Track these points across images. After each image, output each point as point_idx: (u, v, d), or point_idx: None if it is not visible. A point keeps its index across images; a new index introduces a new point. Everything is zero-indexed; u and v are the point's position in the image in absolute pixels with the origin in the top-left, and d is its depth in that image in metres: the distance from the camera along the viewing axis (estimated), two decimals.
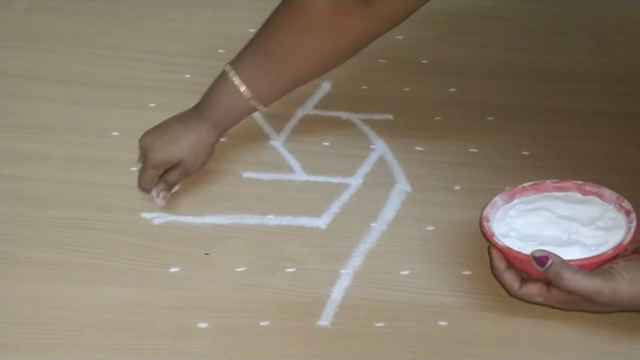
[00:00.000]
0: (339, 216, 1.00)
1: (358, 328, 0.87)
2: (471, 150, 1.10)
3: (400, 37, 1.30)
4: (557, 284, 0.80)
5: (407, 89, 1.21)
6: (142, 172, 0.96)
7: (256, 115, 1.14)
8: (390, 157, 1.08)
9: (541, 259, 0.80)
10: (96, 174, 1.04)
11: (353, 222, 0.99)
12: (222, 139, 1.09)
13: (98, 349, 0.84)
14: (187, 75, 1.21)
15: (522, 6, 1.40)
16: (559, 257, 0.81)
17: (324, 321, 0.87)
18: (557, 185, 0.91)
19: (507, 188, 0.91)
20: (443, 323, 0.87)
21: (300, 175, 1.05)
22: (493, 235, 0.85)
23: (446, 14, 1.34)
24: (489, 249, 0.86)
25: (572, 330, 0.87)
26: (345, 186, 1.04)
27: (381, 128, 1.13)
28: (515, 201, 0.90)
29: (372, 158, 1.08)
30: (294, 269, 0.93)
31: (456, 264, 0.94)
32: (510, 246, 0.84)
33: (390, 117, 1.15)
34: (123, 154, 1.06)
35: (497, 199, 0.90)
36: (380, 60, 1.26)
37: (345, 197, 1.02)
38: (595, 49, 1.28)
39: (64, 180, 1.03)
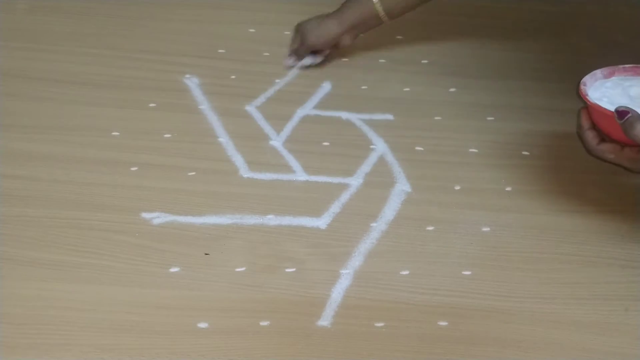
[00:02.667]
0: (339, 216, 1.00)
1: (358, 328, 0.87)
2: (471, 150, 1.10)
3: (400, 37, 1.30)
4: (628, 133, 0.87)
5: (407, 89, 1.21)
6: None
7: (256, 115, 1.15)
8: (390, 157, 1.08)
9: (622, 112, 0.87)
10: (96, 174, 1.04)
11: (353, 222, 0.99)
12: (221, 139, 1.10)
13: (98, 349, 0.84)
14: (187, 75, 1.21)
15: (522, 6, 1.40)
16: (638, 113, 0.87)
17: (324, 321, 0.87)
18: None
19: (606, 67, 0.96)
20: (443, 323, 0.87)
21: (300, 175, 1.05)
22: (586, 95, 0.92)
23: (446, 14, 1.34)
24: (578, 110, 0.93)
25: (572, 330, 0.87)
26: (345, 186, 1.04)
27: (381, 128, 1.13)
28: (614, 78, 0.95)
29: (372, 158, 1.08)
30: (293, 269, 0.93)
31: (456, 264, 0.94)
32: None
33: (390, 117, 1.15)
34: (123, 154, 1.07)
35: (598, 72, 0.95)
36: (380, 60, 1.26)
37: (345, 197, 1.02)
38: (595, 49, 1.28)
39: (64, 180, 1.03)
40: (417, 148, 1.10)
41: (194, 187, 1.02)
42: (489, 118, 1.15)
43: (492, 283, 0.92)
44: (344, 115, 1.15)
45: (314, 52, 1.23)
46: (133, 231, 0.96)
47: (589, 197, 1.02)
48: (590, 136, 0.93)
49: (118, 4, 1.35)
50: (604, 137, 0.92)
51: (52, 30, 1.29)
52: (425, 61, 1.26)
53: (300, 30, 1.23)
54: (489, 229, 0.98)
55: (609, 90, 0.94)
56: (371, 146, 1.10)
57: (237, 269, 0.92)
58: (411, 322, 0.88)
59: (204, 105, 1.16)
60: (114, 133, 1.10)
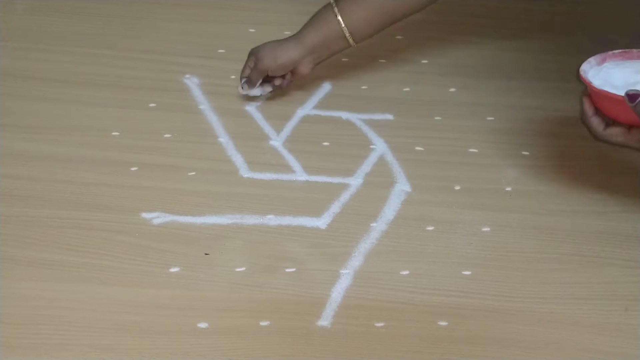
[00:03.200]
0: (339, 216, 1.00)
1: (358, 328, 0.87)
2: (471, 150, 1.10)
3: (400, 37, 1.30)
4: None
5: (407, 89, 1.21)
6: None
7: (256, 115, 1.15)
8: (390, 157, 1.08)
9: (633, 95, 0.89)
10: (96, 174, 1.04)
11: (353, 222, 0.99)
12: (221, 139, 1.10)
13: (98, 349, 0.84)
14: (187, 75, 1.21)
15: (522, 6, 1.40)
16: None
17: (324, 321, 0.87)
18: None
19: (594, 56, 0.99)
20: (443, 323, 0.87)
21: (300, 175, 1.05)
22: (591, 82, 0.93)
23: (446, 14, 1.34)
24: (581, 97, 0.95)
25: (572, 330, 0.87)
26: (345, 186, 1.04)
27: (381, 128, 1.13)
28: (606, 63, 0.98)
29: (372, 158, 1.08)
30: (293, 269, 0.93)
31: (456, 264, 0.94)
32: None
33: (390, 117, 1.15)
34: (123, 154, 1.07)
35: (591, 59, 0.98)
36: (380, 60, 1.26)
37: (345, 197, 1.02)
38: (595, 49, 1.28)
39: (64, 180, 1.03)
40: (417, 148, 1.10)
41: (194, 187, 1.02)
42: (489, 118, 1.15)
43: (492, 283, 0.92)
44: (344, 115, 1.15)
45: (266, 80, 1.15)
46: (133, 231, 0.96)
47: (589, 197, 1.02)
48: (596, 122, 0.94)
49: (118, 4, 1.35)
50: (608, 122, 0.93)
51: (52, 30, 1.29)
52: (425, 61, 1.26)
53: (254, 52, 1.14)
54: (489, 229, 0.98)
55: (610, 74, 0.96)
56: (371, 146, 1.10)
57: (237, 269, 0.92)
58: (411, 322, 0.87)
59: (204, 105, 1.16)
60: (114, 133, 1.10)
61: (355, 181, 1.04)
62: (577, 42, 1.29)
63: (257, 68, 1.13)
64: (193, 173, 1.04)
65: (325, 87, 1.20)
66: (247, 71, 1.14)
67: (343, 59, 1.25)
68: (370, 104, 1.17)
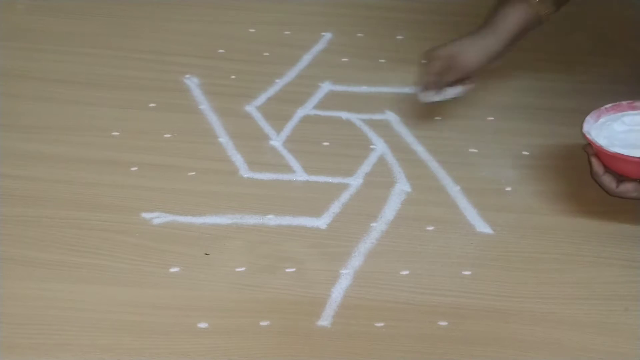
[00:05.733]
0: (339, 216, 1.00)
1: (358, 328, 0.87)
2: (471, 150, 1.10)
3: (400, 37, 1.30)
4: None
5: (407, 89, 1.21)
6: (426, 67, 1.08)
7: (256, 115, 1.15)
8: (390, 157, 1.08)
9: None
10: (96, 174, 1.04)
11: (353, 222, 0.99)
12: (221, 139, 1.10)
13: (98, 349, 0.84)
14: (187, 75, 1.21)
15: None
16: None
17: (324, 321, 0.87)
18: (631, 104, 1.01)
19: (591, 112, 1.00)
20: (443, 323, 0.87)
21: (300, 175, 1.05)
22: (601, 145, 0.95)
23: (446, 14, 1.34)
24: (588, 157, 0.97)
25: (572, 330, 0.87)
26: (345, 186, 1.04)
27: (381, 128, 1.13)
28: (602, 119, 1.00)
29: (372, 158, 1.08)
30: (293, 269, 0.93)
31: (456, 264, 0.94)
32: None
33: (390, 117, 1.15)
34: (123, 154, 1.07)
35: (589, 118, 0.99)
36: (380, 60, 1.26)
37: (345, 197, 1.02)
38: (595, 49, 1.28)
39: (64, 180, 1.03)
40: (417, 148, 1.10)
41: (194, 187, 1.02)
42: (489, 118, 1.15)
43: (492, 283, 0.92)
44: (344, 115, 1.15)
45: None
46: (133, 231, 0.96)
47: (589, 197, 1.02)
48: (608, 180, 0.96)
49: (118, 4, 1.35)
50: (619, 178, 0.96)
51: (52, 30, 1.29)
52: (425, 61, 1.26)
53: (445, 53, 1.08)
54: (489, 229, 0.98)
55: (614, 134, 0.98)
56: (371, 146, 1.10)
57: (237, 269, 0.92)
58: (411, 322, 0.88)
59: (204, 105, 1.16)
60: (114, 133, 1.10)
61: (355, 181, 1.04)
62: (577, 42, 1.29)
63: (456, 69, 1.07)
64: (193, 173, 1.04)
65: (325, 87, 1.20)
66: (434, 74, 1.08)
67: (343, 59, 1.25)
68: (370, 104, 1.17)
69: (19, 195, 1.00)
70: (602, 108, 1.01)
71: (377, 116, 1.15)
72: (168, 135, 1.10)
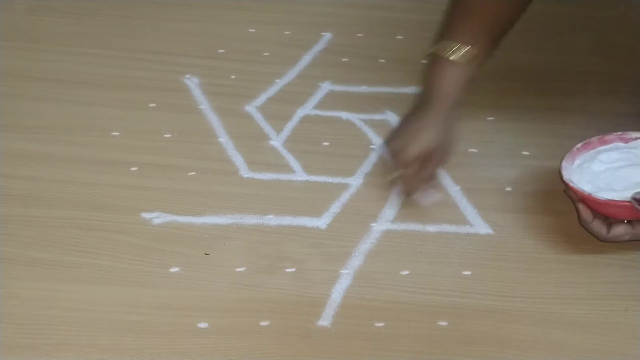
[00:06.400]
0: (339, 216, 1.00)
1: (358, 328, 0.87)
2: (471, 150, 1.10)
3: (400, 37, 1.30)
4: None
5: (407, 89, 1.20)
6: (404, 175, 0.97)
7: (256, 115, 1.15)
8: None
9: None
10: (96, 174, 1.04)
11: (353, 222, 0.99)
12: (221, 139, 1.10)
13: (98, 349, 0.84)
14: (187, 75, 1.21)
15: None
16: None
17: (324, 321, 0.87)
18: (601, 139, 0.98)
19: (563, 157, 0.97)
20: (443, 323, 0.87)
21: (300, 175, 1.05)
22: (590, 193, 0.92)
23: None
24: (574, 204, 0.94)
25: (572, 330, 0.87)
26: (345, 186, 1.04)
27: (381, 128, 1.13)
28: (577, 161, 0.98)
29: (372, 158, 1.08)
30: (293, 269, 0.93)
31: (456, 264, 0.94)
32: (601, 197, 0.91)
33: (390, 117, 1.15)
34: (123, 154, 1.07)
35: (564, 163, 0.96)
36: (380, 60, 1.26)
37: (345, 197, 1.02)
38: (595, 49, 1.28)
39: (64, 180, 1.03)
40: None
41: (194, 187, 1.02)
42: (489, 118, 1.15)
43: (492, 283, 0.92)
44: (344, 115, 1.15)
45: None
46: (133, 231, 0.96)
47: None
48: (598, 227, 0.92)
49: (118, 4, 1.35)
50: (608, 221, 0.93)
51: (52, 30, 1.29)
52: (425, 61, 1.26)
53: (415, 153, 0.96)
54: (489, 229, 0.98)
55: (595, 177, 0.95)
56: (371, 146, 1.10)
57: (237, 269, 0.92)
58: (411, 322, 0.88)
59: (204, 105, 1.16)
60: (114, 133, 1.10)
61: (355, 181, 1.04)
62: (577, 42, 1.29)
63: (437, 158, 0.98)
64: (193, 173, 1.04)
65: (325, 87, 1.20)
66: (416, 180, 0.98)
67: (343, 59, 1.25)
68: (370, 104, 1.17)
69: (19, 195, 1.00)
70: (574, 149, 0.97)
71: (377, 116, 1.15)
72: (168, 135, 1.10)
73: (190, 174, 1.04)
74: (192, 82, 1.20)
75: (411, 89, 1.20)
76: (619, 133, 0.98)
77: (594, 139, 0.99)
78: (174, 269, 0.92)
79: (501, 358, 0.85)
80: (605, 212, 0.93)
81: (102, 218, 0.98)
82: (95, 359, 0.83)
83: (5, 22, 1.31)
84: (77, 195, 1.01)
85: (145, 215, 0.98)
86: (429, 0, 1.36)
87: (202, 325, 0.86)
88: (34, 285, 0.90)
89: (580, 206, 0.93)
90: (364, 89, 1.21)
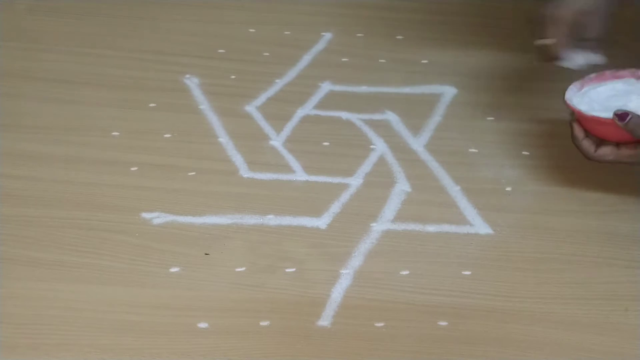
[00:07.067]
0: (339, 216, 1.00)
1: (358, 328, 0.87)
2: (471, 150, 1.10)
3: (400, 37, 1.30)
4: (634, 134, 0.93)
5: (407, 89, 1.21)
6: (555, 35, 1.03)
7: (256, 115, 1.15)
8: (390, 157, 1.08)
9: (622, 115, 0.93)
10: (96, 174, 1.04)
11: (353, 222, 0.99)
12: (221, 139, 1.10)
13: (98, 349, 0.84)
14: (187, 75, 1.21)
15: (522, 6, 1.40)
16: (636, 114, 0.93)
17: (324, 321, 0.87)
18: (615, 73, 1.02)
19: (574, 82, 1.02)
20: (443, 323, 0.87)
21: (300, 175, 1.05)
22: (580, 109, 0.98)
23: (446, 14, 1.34)
24: (570, 122, 0.99)
25: (572, 330, 0.87)
26: (345, 186, 1.04)
27: (381, 128, 1.13)
28: (586, 88, 1.02)
29: (372, 158, 1.08)
30: (293, 269, 0.93)
31: (456, 264, 0.94)
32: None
33: (390, 117, 1.15)
34: (123, 154, 1.07)
35: (572, 86, 1.01)
36: (380, 60, 1.26)
37: (345, 197, 1.02)
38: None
39: (64, 180, 1.03)
40: (417, 148, 1.10)
41: (194, 187, 1.02)
42: (489, 118, 1.15)
43: (492, 283, 0.92)
44: (344, 115, 1.15)
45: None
46: (133, 231, 0.96)
47: (589, 197, 1.02)
48: (587, 145, 0.98)
49: (118, 4, 1.35)
50: (598, 142, 0.97)
51: (52, 30, 1.29)
52: (425, 61, 1.26)
53: (569, 12, 1.02)
54: (489, 229, 0.98)
55: (593, 99, 1.01)
56: (371, 146, 1.10)
57: (237, 269, 0.92)
58: (411, 322, 0.88)
59: (204, 105, 1.16)
60: (114, 133, 1.10)
61: (355, 181, 1.05)
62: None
63: (590, 23, 1.02)
64: (193, 173, 1.04)
65: (325, 87, 1.20)
66: (565, 39, 1.03)
67: (343, 59, 1.25)
68: (370, 104, 1.17)
69: (19, 195, 1.00)
70: (586, 78, 1.02)
71: (377, 116, 1.15)
72: (168, 135, 1.10)
73: (190, 174, 1.04)
74: (192, 82, 1.20)
75: (411, 89, 1.20)
76: (633, 70, 1.02)
77: (607, 72, 1.02)
78: (174, 269, 0.92)
79: (501, 358, 0.85)
80: (594, 130, 0.97)
81: (102, 218, 0.98)
82: (95, 359, 0.83)
83: (5, 22, 1.30)
84: (77, 195, 1.01)
85: (145, 215, 0.98)
86: (429, 0, 1.37)
87: (202, 325, 0.86)
88: (34, 285, 0.90)
89: (574, 124, 0.99)
90: (364, 89, 1.21)
